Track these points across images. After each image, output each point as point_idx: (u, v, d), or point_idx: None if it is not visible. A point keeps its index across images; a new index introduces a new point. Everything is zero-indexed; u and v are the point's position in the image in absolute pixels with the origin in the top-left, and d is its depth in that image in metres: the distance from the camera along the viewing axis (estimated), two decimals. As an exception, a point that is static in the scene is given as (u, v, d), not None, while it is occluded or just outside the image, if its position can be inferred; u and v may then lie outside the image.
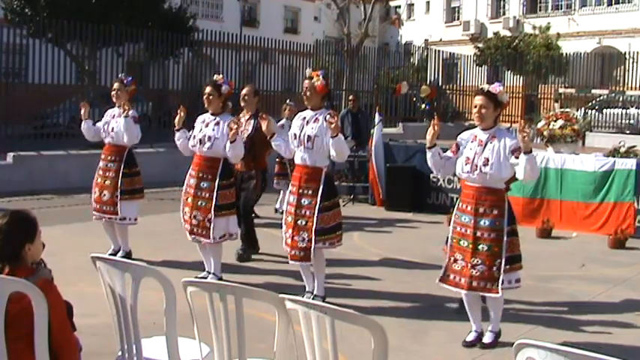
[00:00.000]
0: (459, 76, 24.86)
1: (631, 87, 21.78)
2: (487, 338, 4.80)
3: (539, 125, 9.80)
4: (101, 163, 6.83)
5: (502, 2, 36.96)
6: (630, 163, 8.79)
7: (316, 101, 5.45)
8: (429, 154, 4.79)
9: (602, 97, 20.42)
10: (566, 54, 25.12)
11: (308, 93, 5.43)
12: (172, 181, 10.25)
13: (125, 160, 6.72)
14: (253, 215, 8.03)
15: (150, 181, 10.85)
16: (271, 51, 17.12)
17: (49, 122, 15.16)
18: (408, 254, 7.50)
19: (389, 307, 5.65)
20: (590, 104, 20.01)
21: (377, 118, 11.00)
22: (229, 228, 6.06)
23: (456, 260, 4.70)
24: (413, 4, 41.52)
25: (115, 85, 6.83)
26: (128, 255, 6.79)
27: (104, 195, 6.70)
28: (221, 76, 6.18)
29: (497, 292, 4.57)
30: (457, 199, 4.94)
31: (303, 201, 5.34)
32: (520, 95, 23.80)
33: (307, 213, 5.31)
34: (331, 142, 5.18)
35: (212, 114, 6.06)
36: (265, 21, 36.85)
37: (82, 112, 6.88)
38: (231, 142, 5.76)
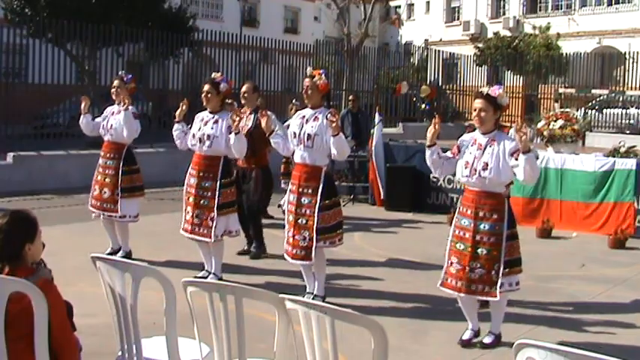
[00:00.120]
0: (459, 76, 24.86)
1: (631, 87, 21.78)
2: (487, 339, 4.80)
3: (539, 125, 9.80)
4: (100, 161, 6.84)
5: (502, 2, 36.96)
6: (630, 163, 8.80)
7: (317, 100, 5.46)
8: (428, 153, 4.80)
9: (602, 97, 20.42)
10: (566, 54, 25.12)
11: (309, 91, 5.43)
12: (172, 181, 10.25)
13: (124, 157, 6.72)
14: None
15: (150, 181, 10.85)
16: (271, 51, 17.13)
17: (49, 122, 15.16)
18: (408, 254, 7.50)
19: (389, 307, 5.65)
20: (590, 104, 20.01)
21: (377, 118, 11.00)
22: (229, 225, 6.07)
23: (452, 263, 4.70)
24: (413, 4, 41.52)
25: (115, 83, 6.83)
26: (128, 255, 6.79)
27: (104, 193, 6.71)
28: (220, 73, 6.18)
29: (496, 296, 4.57)
30: (457, 199, 4.94)
31: (303, 200, 5.34)
32: (520, 95, 23.81)
33: (307, 212, 5.31)
34: (332, 140, 5.18)
35: (211, 112, 6.06)
36: (265, 21, 36.84)
37: (82, 105, 6.88)
38: (235, 134, 5.75)
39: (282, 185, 9.81)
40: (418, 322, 5.29)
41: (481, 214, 4.60)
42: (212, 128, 5.95)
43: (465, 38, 36.01)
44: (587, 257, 7.68)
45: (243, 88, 7.36)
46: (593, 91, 19.73)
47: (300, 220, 5.34)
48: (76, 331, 2.99)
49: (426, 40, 34.85)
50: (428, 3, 41.01)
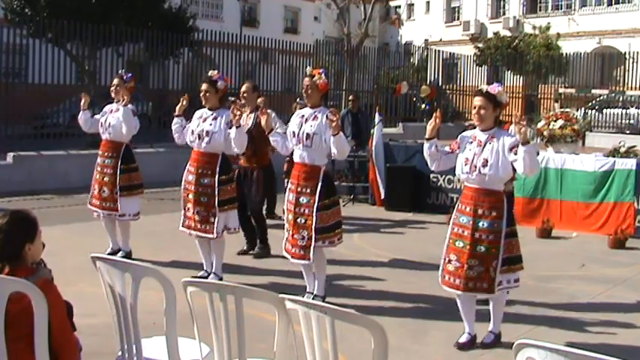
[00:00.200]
0: (459, 76, 24.87)
1: (631, 87, 21.79)
2: (487, 338, 4.80)
3: (539, 125, 9.79)
4: (99, 160, 6.84)
5: (502, 2, 36.97)
6: (630, 163, 8.79)
7: (316, 99, 5.46)
8: (426, 145, 4.79)
9: (602, 97, 20.43)
10: (566, 54, 25.13)
11: (309, 91, 5.43)
12: (172, 181, 10.23)
13: (122, 155, 6.72)
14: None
15: (150, 181, 10.84)
16: (271, 51, 17.13)
17: (49, 122, 15.16)
18: (408, 254, 7.50)
19: (389, 307, 5.64)
20: (590, 104, 20.02)
21: (377, 118, 10.99)
22: (229, 222, 6.08)
23: (450, 261, 4.69)
24: (413, 4, 41.53)
25: (115, 81, 6.83)
26: (128, 255, 6.79)
27: (104, 192, 6.72)
28: (216, 71, 6.17)
29: (494, 292, 4.59)
30: (457, 199, 4.94)
31: (301, 199, 5.34)
32: (520, 95, 23.82)
33: (306, 211, 5.30)
34: (332, 140, 5.17)
35: (209, 109, 6.07)
36: (265, 21, 36.85)
37: (82, 102, 6.88)
38: (236, 128, 5.73)
39: (286, 184, 9.81)
40: (418, 322, 5.29)
41: (480, 211, 4.60)
42: (211, 124, 5.95)
43: (465, 38, 36.02)
44: (587, 257, 7.68)
45: (243, 88, 7.37)
46: (593, 91, 19.74)
47: (299, 220, 5.34)
48: (76, 331, 2.99)
49: (426, 40, 34.86)
50: (428, 3, 41.02)
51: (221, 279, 5.99)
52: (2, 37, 12.66)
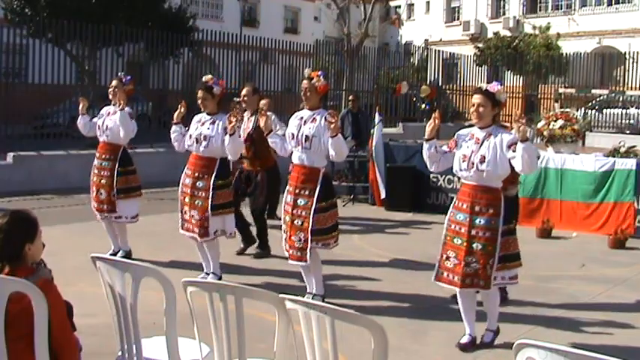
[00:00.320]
0: (459, 76, 24.86)
1: (631, 87, 21.77)
2: (486, 337, 4.81)
3: (539, 125, 9.79)
4: (96, 162, 6.83)
5: (502, 2, 36.98)
6: (630, 163, 8.80)
7: (315, 101, 5.46)
8: (425, 146, 4.78)
9: (602, 97, 20.41)
10: (566, 54, 25.12)
11: (308, 93, 5.42)
12: (172, 181, 10.17)
13: (120, 158, 6.71)
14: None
15: (150, 181, 10.85)
16: (271, 51, 17.12)
17: (49, 122, 15.17)
18: (408, 254, 7.50)
19: (389, 307, 5.65)
20: (590, 104, 20.00)
21: (377, 118, 10.99)
22: (225, 226, 6.07)
23: (448, 258, 4.68)
24: (413, 4, 41.53)
25: (113, 83, 6.82)
26: (128, 255, 6.78)
27: (101, 194, 6.71)
28: (210, 76, 6.16)
29: (489, 288, 4.59)
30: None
31: (299, 201, 5.34)
32: (520, 95, 23.81)
33: (303, 213, 5.30)
34: (330, 141, 5.17)
35: (208, 114, 6.07)
36: (265, 21, 36.85)
37: (80, 106, 6.88)
38: (230, 135, 5.75)
39: None
40: (418, 322, 5.30)
41: (477, 208, 4.59)
42: (209, 129, 5.95)
43: (465, 38, 36.02)
44: (587, 257, 7.68)
45: (243, 92, 7.35)
46: (593, 91, 19.71)
47: (296, 222, 5.34)
48: (76, 331, 2.99)
49: (426, 40, 34.85)
50: (428, 3, 41.02)
51: (220, 278, 6.00)
52: (2, 37, 12.66)
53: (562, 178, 9.24)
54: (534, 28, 32.93)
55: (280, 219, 8.79)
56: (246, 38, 16.96)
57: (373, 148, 10.80)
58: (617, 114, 20.60)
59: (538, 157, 6.41)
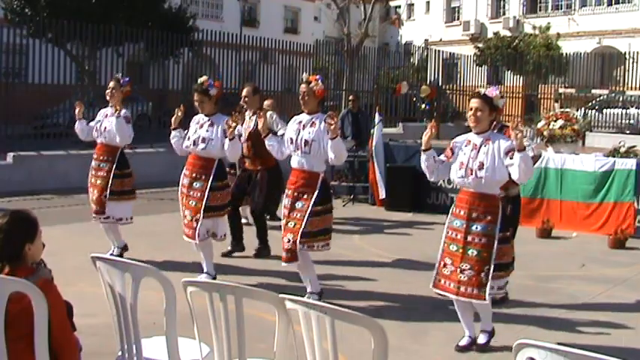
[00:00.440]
0: (459, 76, 24.86)
1: (631, 87, 21.78)
2: (481, 339, 4.77)
3: (539, 125, 9.79)
4: (93, 163, 6.81)
5: (502, 2, 36.98)
6: (630, 163, 8.80)
7: (313, 106, 5.45)
8: (423, 157, 4.77)
9: (602, 97, 20.43)
10: (566, 54, 25.13)
11: (306, 97, 5.42)
12: (172, 181, 10.17)
13: (117, 160, 6.69)
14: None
15: (150, 181, 10.87)
16: (271, 51, 17.12)
17: (49, 122, 15.17)
18: (408, 254, 7.50)
19: (389, 307, 5.65)
20: (590, 104, 20.02)
21: (377, 118, 10.99)
22: (216, 228, 6.08)
23: (445, 265, 4.66)
24: (413, 4, 41.54)
25: (111, 84, 6.80)
26: (124, 249, 6.77)
27: (94, 194, 6.71)
28: (205, 77, 6.15)
29: (484, 299, 4.53)
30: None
31: (297, 204, 5.34)
32: (520, 95, 23.81)
33: (298, 216, 5.30)
34: (330, 143, 5.17)
35: (206, 115, 6.07)
36: (265, 21, 36.85)
37: (77, 111, 6.86)
38: (229, 140, 5.75)
39: None
40: (418, 322, 5.30)
41: (474, 215, 4.57)
42: (207, 131, 5.96)
43: (465, 38, 36.02)
44: (587, 257, 7.68)
45: (244, 92, 7.36)
46: (593, 91, 19.74)
47: (289, 224, 5.35)
48: (76, 331, 2.99)
49: (426, 40, 34.85)
50: (428, 3, 41.03)
51: (214, 278, 6.00)
52: (2, 37, 12.66)
53: (562, 178, 9.24)
54: (534, 28, 32.94)
55: (281, 220, 8.83)
56: (246, 38, 16.96)
57: (373, 148, 10.80)
58: (617, 114, 20.60)
59: (540, 156, 6.41)
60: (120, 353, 3.07)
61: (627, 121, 20.37)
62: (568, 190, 9.20)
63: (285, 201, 5.45)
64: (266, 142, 5.60)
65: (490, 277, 4.53)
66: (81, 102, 7.03)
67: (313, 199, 5.27)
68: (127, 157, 6.87)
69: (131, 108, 6.64)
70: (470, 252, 4.55)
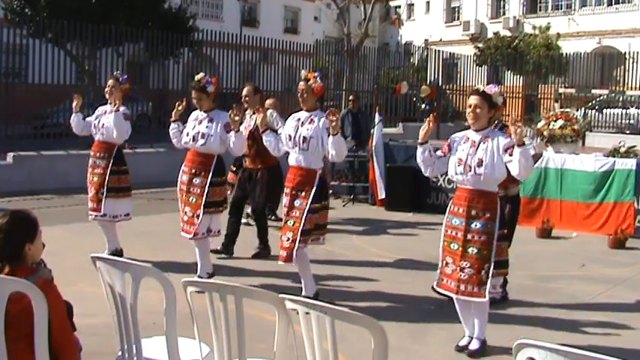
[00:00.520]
0: (459, 76, 24.86)
1: (631, 87, 21.78)
2: (474, 344, 4.69)
3: (539, 125, 9.79)
4: (90, 160, 6.80)
5: (502, 2, 36.99)
6: (630, 163, 8.80)
7: (312, 103, 5.45)
8: (419, 150, 4.75)
9: (602, 97, 20.41)
10: (566, 54, 25.13)
11: (305, 95, 5.42)
12: (172, 181, 10.13)
13: (114, 157, 6.68)
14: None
15: (150, 181, 10.87)
16: (271, 51, 17.12)
17: (49, 122, 15.16)
18: (407, 254, 7.50)
19: (389, 307, 5.65)
20: (590, 104, 20.00)
21: (377, 118, 10.99)
22: (212, 224, 6.07)
23: (447, 264, 4.65)
24: (413, 4, 41.54)
25: (110, 82, 6.78)
26: (118, 253, 6.75)
27: (91, 191, 6.70)
28: (202, 74, 6.15)
29: (484, 297, 4.51)
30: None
31: (296, 202, 5.34)
32: (520, 95, 23.81)
33: (297, 214, 5.30)
34: (331, 139, 5.17)
35: (204, 111, 6.08)
36: (265, 21, 36.86)
37: (75, 104, 6.83)
38: (235, 132, 5.75)
39: None
40: (418, 322, 5.30)
41: (474, 212, 4.54)
42: (207, 127, 5.97)
43: (465, 38, 36.03)
44: (587, 257, 7.68)
45: (244, 92, 7.36)
46: (593, 91, 19.72)
47: (289, 222, 5.35)
48: (76, 331, 2.99)
49: (426, 40, 34.87)
50: (428, 3, 41.03)
51: (211, 275, 6.00)
52: (2, 37, 12.66)
53: (562, 178, 9.24)
54: (534, 28, 32.94)
55: (281, 220, 8.83)
56: (246, 38, 16.96)
57: (373, 148, 10.81)
58: (617, 114, 20.60)
59: (541, 156, 6.40)
60: (120, 353, 3.07)
61: (627, 121, 20.36)
62: (568, 190, 9.20)
63: (285, 200, 5.46)
64: (263, 138, 5.61)
65: (491, 276, 4.52)
66: (79, 95, 7.00)
67: (311, 197, 5.27)
68: (123, 154, 6.86)
69: (131, 108, 6.61)
70: (470, 250, 4.53)
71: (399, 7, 41.08)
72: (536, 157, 5.65)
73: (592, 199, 9.02)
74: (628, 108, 20.76)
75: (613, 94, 20.91)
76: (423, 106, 21.78)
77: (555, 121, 9.62)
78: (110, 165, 6.63)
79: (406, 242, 8.32)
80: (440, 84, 22.59)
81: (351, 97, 12.62)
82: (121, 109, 6.52)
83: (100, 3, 17.80)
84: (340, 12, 23.53)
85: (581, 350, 1.94)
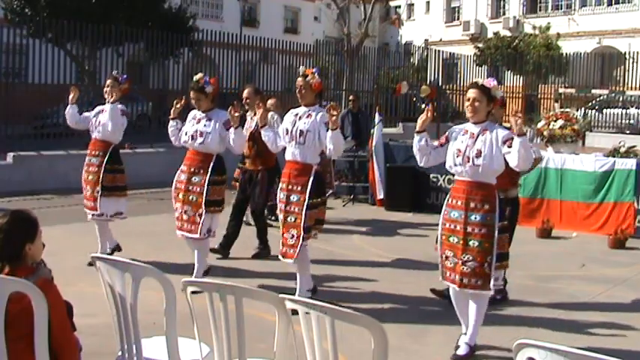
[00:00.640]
0: (459, 76, 24.87)
1: (631, 87, 21.79)
2: (462, 350, 4.62)
3: (539, 125, 9.79)
4: (86, 159, 6.80)
5: (502, 2, 37.00)
6: (630, 163, 8.80)
7: (310, 99, 5.46)
8: (416, 139, 4.73)
9: (602, 97, 20.42)
10: (566, 54, 25.14)
11: (303, 91, 5.44)
12: (172, 181, 10.24)
13: (110, 155, 6.66)
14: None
15: (150, 181, 10.86)
16: (271, 51, 17.13)
17: (49, 122, 15.14)
18: (407, 254, 7.50)
19: (389, 307, 5.65)
20: (590, 104, 20.02)
21: (377, 118, 11.00)
22: (212, 225, 6.08)
23: (447, 257, 4.62)
24: (413, 4, 41.55)
25: (108, 82, 6.77)
26: (116, 249, 6.74)
27: (87, 190, 6.68)
28: (200, 75, 6.15)
29: (489, 289, 4.49)
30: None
31: (292, 197, 5.33)
32: (520, 95, 23.81)
33: (296, 210, 5.30)
34: (330, 134, 5.16)
35: (203, 111, 6.08)
36: (265, 21, 36.85)
37: (71, 96, 6.80)
38: (234, 129, 5.75)
39: None
40: (418, 322, 5.29)
41: (472, 205, 4.51)
42: (205, 125, 5.97)
43: (465, 38, 36.04)
44: (587, 257, 7.68)
45: (245, 94, 7.37)
46: (593, 91, 19.73)
47: (289, 218, 5.34)
48: (76, 331, 2.99)
49: (426, 40, 34.88)
50: (428, 3, 41.04)
51: (207, 272, 6.00)
52: (2, 37, 12.66)
53: (562, 178, 9.24)
54: (534, 28, 32.95)
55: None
56: (246, 38, 16.96)
57: (373, 148, 10.81)
58: (617, 114, 20.62)
59: (541, 159, 6.39)
60: (120, 353, 3.07)
61: (627, 121, 20.38)
62: (568, 190, 9.20)
63: (280, 194, 5.45)
64: (262, 132, 5.62)
65: (494, 268, 4.50)
66: (76, 87, 6.97)
67: (308, 192, 5.27)
68: (119, 153, 6.84)
69: (131, 108, 6.61)
70: (471, 243, 4.49)
71: (399, 7, 41.08)
72: (537, 161, 5.62)
73: (592, 199, 9.02)
74: (628, 108, 20.77)
75: (613, 94, 20.92)
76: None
77: (555, 121, 9.63)
78: (104, 163, 6.59)
79: (406, 242, 8.32)
80: (440, 84, 22.58)
81: (351, 97, 12.61)
82: (119, 105, 6.52)
83: (100, 3, 17.81)
84: (340, 12, 23.55)
85: (581, 350, 1.94)
